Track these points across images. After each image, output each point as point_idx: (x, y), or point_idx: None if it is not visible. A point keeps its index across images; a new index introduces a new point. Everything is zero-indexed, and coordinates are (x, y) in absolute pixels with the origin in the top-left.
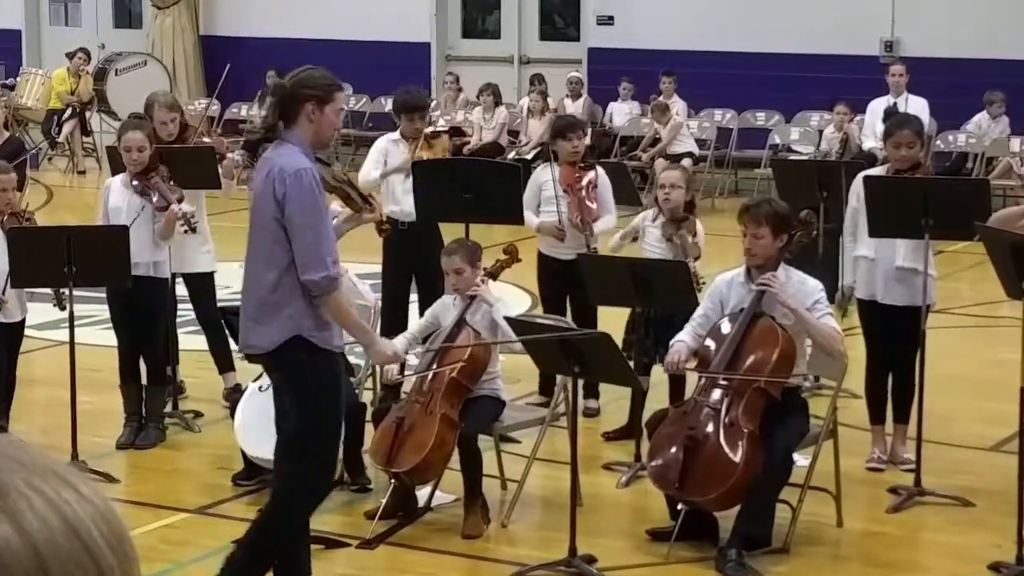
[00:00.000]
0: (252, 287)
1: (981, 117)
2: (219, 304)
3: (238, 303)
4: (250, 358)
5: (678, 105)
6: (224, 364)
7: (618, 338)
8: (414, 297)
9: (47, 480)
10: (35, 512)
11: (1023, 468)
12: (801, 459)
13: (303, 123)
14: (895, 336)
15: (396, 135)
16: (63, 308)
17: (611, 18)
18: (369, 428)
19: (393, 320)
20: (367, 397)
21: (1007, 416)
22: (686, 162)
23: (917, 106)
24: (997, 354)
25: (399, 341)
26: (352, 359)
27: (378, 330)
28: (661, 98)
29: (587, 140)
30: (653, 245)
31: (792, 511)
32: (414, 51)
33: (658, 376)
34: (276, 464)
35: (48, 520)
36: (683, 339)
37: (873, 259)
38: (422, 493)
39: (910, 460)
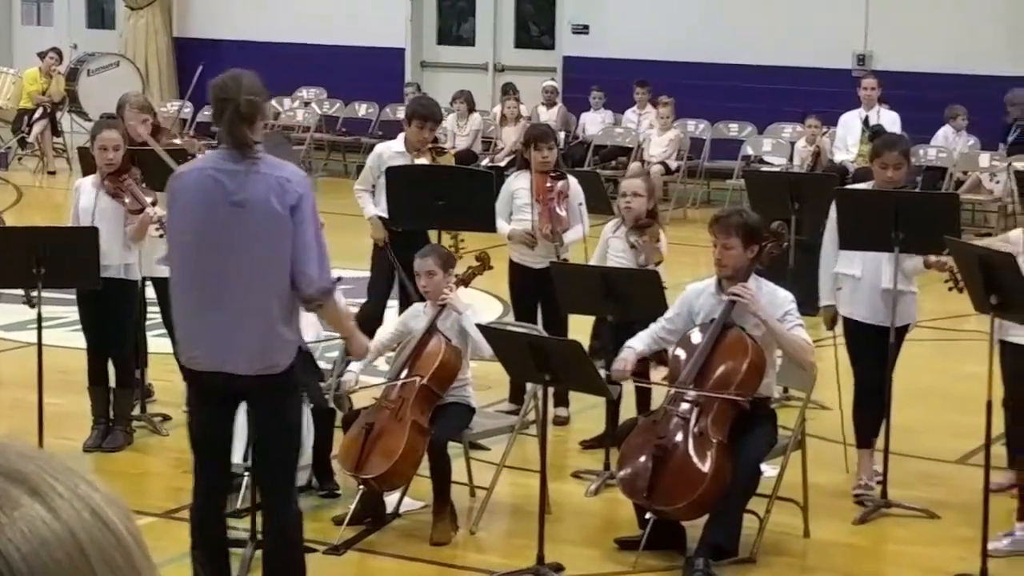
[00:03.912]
0: (261, 304)
1: (946, 131)
2: None
3: None
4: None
5: (650, 115)
6: None
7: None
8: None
9: (65, 475)
10: (65, 500)
11: (988, 481)
12: (769, 470)
13: (260, 131)
14: (879, 356)
15: (399, 145)
16: (32, 306)
17: (586, 27)
18: (338, 434)
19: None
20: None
21: (973, 429)
22: (654, 170)
23: (889, 120)
24: (964, 367)
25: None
26: (322, 364)
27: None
28: (636, 108)
29: (558, 150)
30: (618, 254)
31: (759, 521)
32: (389, 57)
33: (629, 385)
34: (271, 485)
35: (79, 509)
36: (633, 346)
37: (859, 278)
38: (391, 499)
39: (877, 472)
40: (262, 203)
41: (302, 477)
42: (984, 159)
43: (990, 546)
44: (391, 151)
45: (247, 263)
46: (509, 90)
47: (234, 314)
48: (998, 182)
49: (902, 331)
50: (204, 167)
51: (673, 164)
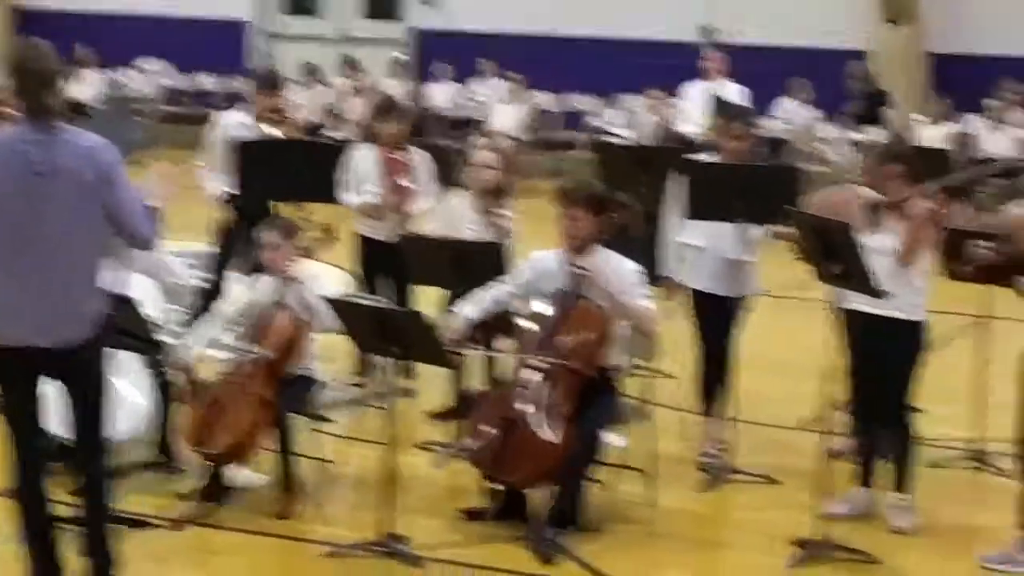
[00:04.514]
0: (68, 275)
1: (789, 104)
2: None
3: None
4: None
5: (499, 88)
6: None
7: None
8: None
9: None
10: None
11: (828, 447)
12: (615, 439)
13: (61, 99)
14: (721, 325)
15: (244, 115)
16: None
17: None
18: (182, 408)
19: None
20: None
21: (814, 396)
22: (503, 142)
23: (733, 92)
24: (806, 335)
25: (208, 322)
26: (166, 338)
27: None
28: (483, 79)
29: (407, 122)
30: (469, 226)
31: (605, 490)
32: (234, 28)
33: (478, 355)
34: (90, 460)
35: None
36: (467, 314)
37: (703, 248)
38: (235, 474)
39: (721, 440)
40: (70, 172)
41: (145, 452)
42: (825, 131)
43: (829, 510)
44: (235, 121)
45: (53, 233)
46: (352, 63)
47: (39, 286)
48: (839, 153)
49: (744, 300)
50: (6, 139)
51: (521, 136)
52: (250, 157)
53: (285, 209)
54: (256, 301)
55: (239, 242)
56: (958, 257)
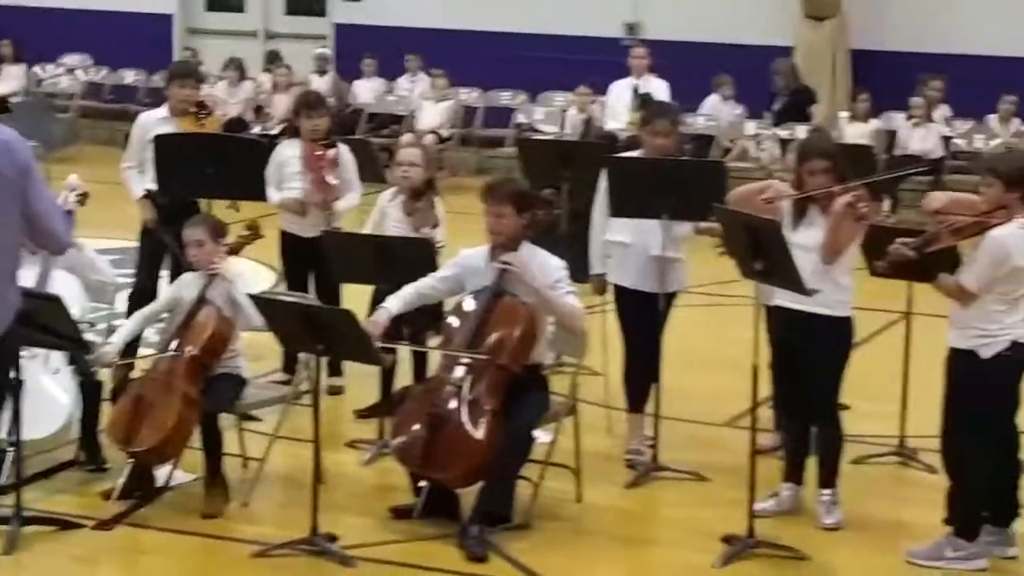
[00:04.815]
0: None
1: (714, 100)
2: None
3: None
4: None
5: (423, 83)
6: None
7: (363, 316)
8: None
9: None
10: None
11: (755, 443)
12: (542, 436)
13: None
14: (648, 322)
15: (163, 111)
16: None
17: None
18: (106, 407)
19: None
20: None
21: (741, 392)
22: (428, 139)
23: (658, 88)
24: (731, 332)
25: (133, 319)
26: (90, 336)
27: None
28: (408, 75)
29: (330, 118)
30: (395, 223)
31: (533, 487)
32: (157, 23)
33: (404, 353)
34: None
35: None
36: (387, 306)
37: (629, 245)
38: (161, 473)
39: (648, 436)
40: None
41: (70, 452)
42: (750, 127)
43: (756, 507)
44: (154, 118)
45: None
46: (275, 58)
47: None
48: (764, 150)
49: (671, 297)
50: None
51: (446, 132)
52: (167, 151)
53: (217, 206)
54: (181, 299)
55: (162, 239)
56: (880, 254)
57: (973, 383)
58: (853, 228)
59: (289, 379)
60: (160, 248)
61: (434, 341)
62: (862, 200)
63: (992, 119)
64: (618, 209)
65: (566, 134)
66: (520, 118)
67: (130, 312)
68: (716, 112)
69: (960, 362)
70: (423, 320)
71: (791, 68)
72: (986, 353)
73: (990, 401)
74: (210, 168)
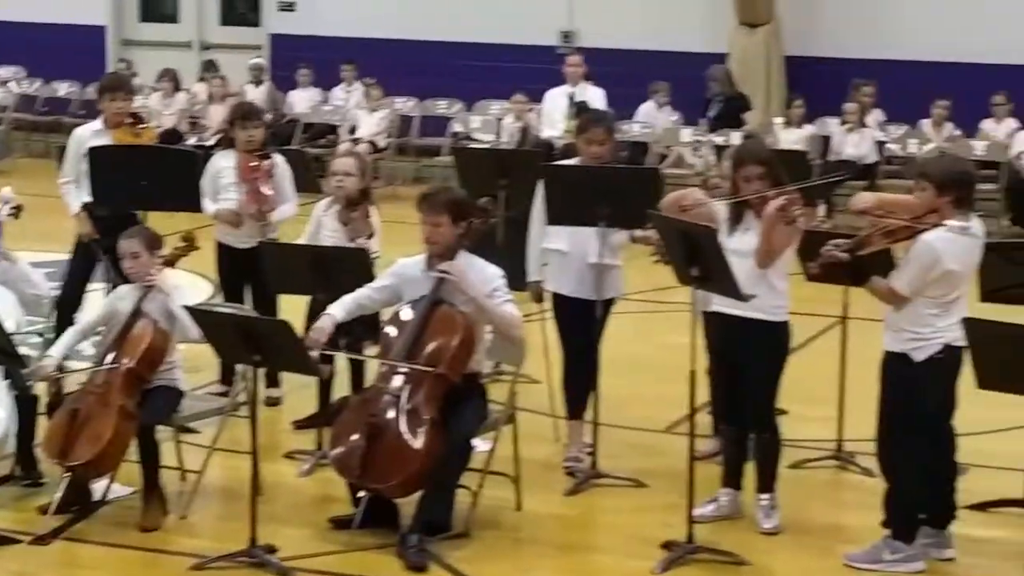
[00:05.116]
0: None
1: (649, 107)
2: None
3: None
4: None
5: (359, 93)
6: None
7: (299, 326)
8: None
9: None
10: None
11: (693, 449)
12: (481, 444)
13: None
14: (586, 329)
15: (98, 124)
16: None
17: (292, 4)
18: (42, 421)
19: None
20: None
21: (679, 398)
22: (362, 148)
23: (594, 96)
24: (669, 338)
25: (69, 333)
26: (25, 349)
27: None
28: (344, 85)
29: (265, 128)
30: (331, 233)
31: (472, 496)
32: (90, 34)
33: (342, 363)
34: None
35: None
36: (331, 313)
37: (566, 253)
38: (98, 486)
39: (587, 444)
40: None
41: (5, 466)
42: (686, 134)
43: (695, 512)
44: (89, 131)
45: None
46: (210, 68)
47: None
48: (700, 156)
49: (608, 304)
50: None
51: (383, 142)
52: (101, 163)
53: (154, 218)
54: (117, 311)
55: (98, 251)
56: (814, 258)
57: (907, 386)
58: (787, 233)
59: (226, 391)
60: (92, 261)
61: (372, 351)
62: (793, 204)
63: (925, 124)
64: (555, 218)
65: (503, 142)
66: (456, 127)
67: (59, 322)
68: (651, 119)
69: (894, 365)
70: (360, 330)
71: (726, 74)
72: (919, 356)
73: (924, 404)
74: (145, 180)
